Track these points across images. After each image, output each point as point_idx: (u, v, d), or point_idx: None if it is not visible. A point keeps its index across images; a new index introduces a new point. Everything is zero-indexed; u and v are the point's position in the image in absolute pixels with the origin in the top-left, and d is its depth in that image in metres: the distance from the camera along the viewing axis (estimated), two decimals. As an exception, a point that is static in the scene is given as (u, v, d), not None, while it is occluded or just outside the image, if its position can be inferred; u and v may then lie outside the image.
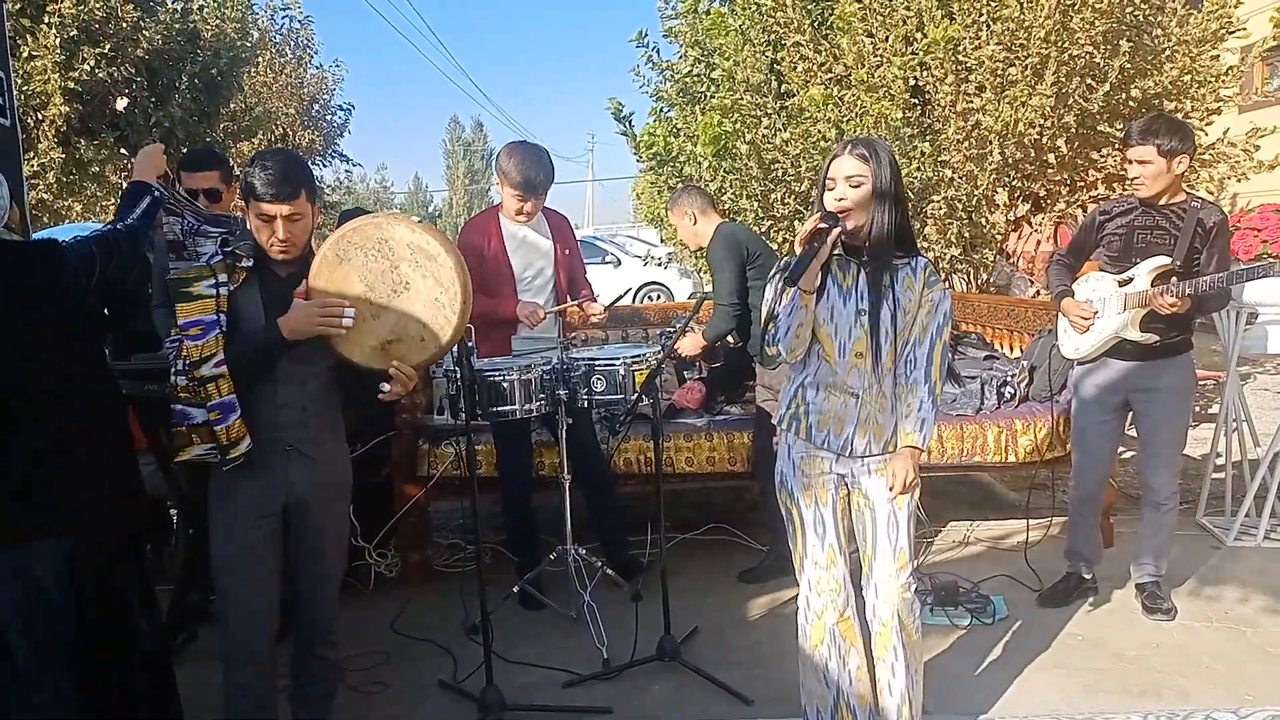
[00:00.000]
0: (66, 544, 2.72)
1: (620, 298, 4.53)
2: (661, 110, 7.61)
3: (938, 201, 5.94)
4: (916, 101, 5.97)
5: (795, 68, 6.22)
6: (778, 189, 6.33)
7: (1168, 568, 3.65)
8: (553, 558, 3.78)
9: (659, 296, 16.45)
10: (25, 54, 7.92)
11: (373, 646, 3.56)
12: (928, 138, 5.94)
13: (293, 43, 14.27)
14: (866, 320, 2.40)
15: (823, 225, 2.31)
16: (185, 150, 9.53)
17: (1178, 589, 3.74)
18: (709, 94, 6.94)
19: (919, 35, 5.79)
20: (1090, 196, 6.25)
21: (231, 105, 10.56)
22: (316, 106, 14.73)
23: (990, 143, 5.67)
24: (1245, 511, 4.31)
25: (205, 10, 10.16)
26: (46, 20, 7.97)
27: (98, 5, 8.32)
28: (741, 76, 6.42)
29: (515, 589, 3.82)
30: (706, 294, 3.99)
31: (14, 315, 2.65)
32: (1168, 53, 5.87)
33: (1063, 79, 5.52)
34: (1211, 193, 6.25)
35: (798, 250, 2.31)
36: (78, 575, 2.76)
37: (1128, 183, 3.46)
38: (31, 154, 8.18)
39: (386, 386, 2.43)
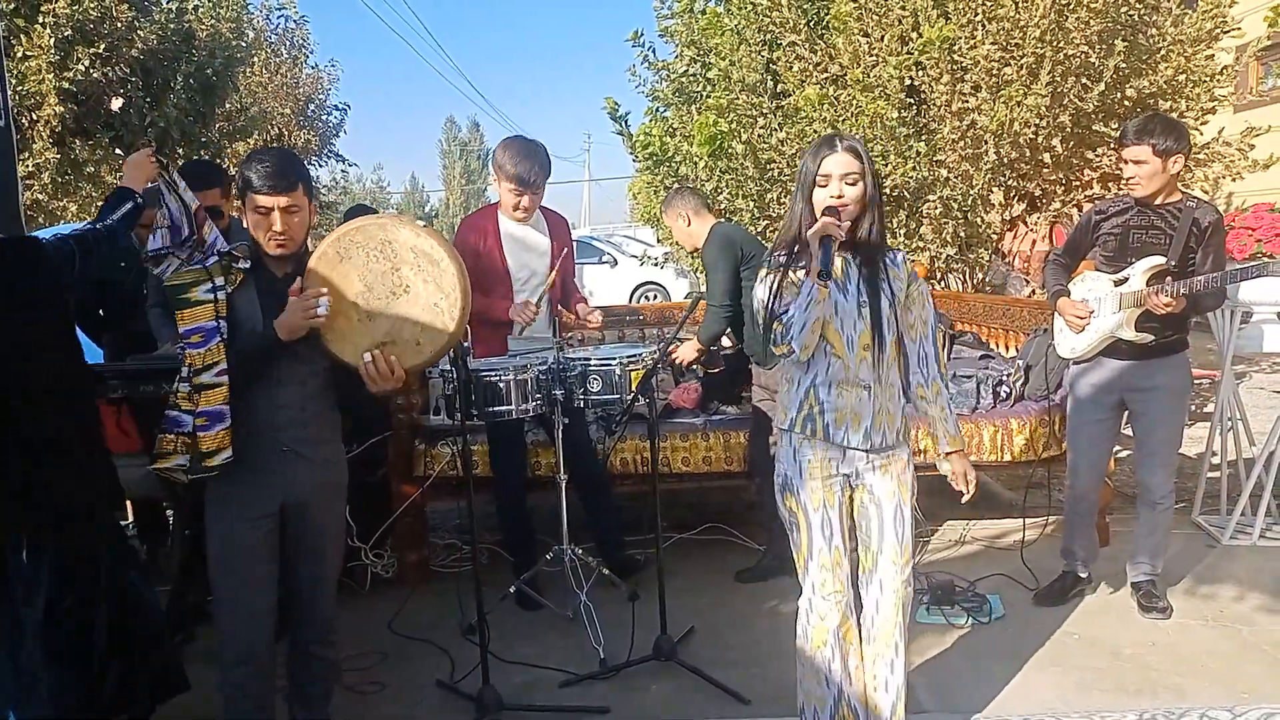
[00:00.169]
0: (66, 541, 2.75)
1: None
2: (657, 110, 7.62)
3: (933, 201, 5.95)
4: (912, 101, 5.97)
5: (791, 67, 6.22)
6: (773, 188, 6.33)
7: (1163, 566, 3.66)
8: (549, 558, 3.78)
9: (656, 296, 16.45)
10: (20, 54, 7.90)
11: (370, 646, 3.56)
12: (923, 137, 5.95)
13: (288, 42, 14.25)
14: (868, 313, 2.41)
15: (836, 224, 2.33)
16: (180, 152, 9.58)
17: (1173, 587, 3.75)
18: (705, 94, 6.94)
19: (914, 35, 5.79)
20: (1085, 196, 6.26)
21: (227, 105, 10.54)
22: (312, 106, 14.70)
23: (985, 142, 5.68)
24: (1240, 510, 4.32)
25: (200, 10, 10.14)
26: (41, 20, 7.95)
27: (92, 5, 8.29)
28: (737, 76, 6.42)
29: (512, 589, 3.82)
30: (702, 294, 3.99)
31: (14, 315, 2.66)
32: (1163, 52, 5.88)
33: (1058, 78, 5.53)
34: (1206, 192, 6.25)
35: (814, 248, 2.29)
36: (75, 572, 2.79)
37: (1123, 182, 3.47)
38: (26, 154, 8.16)
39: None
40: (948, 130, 5.75)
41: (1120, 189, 3.57)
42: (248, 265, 2.46)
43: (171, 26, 9.39)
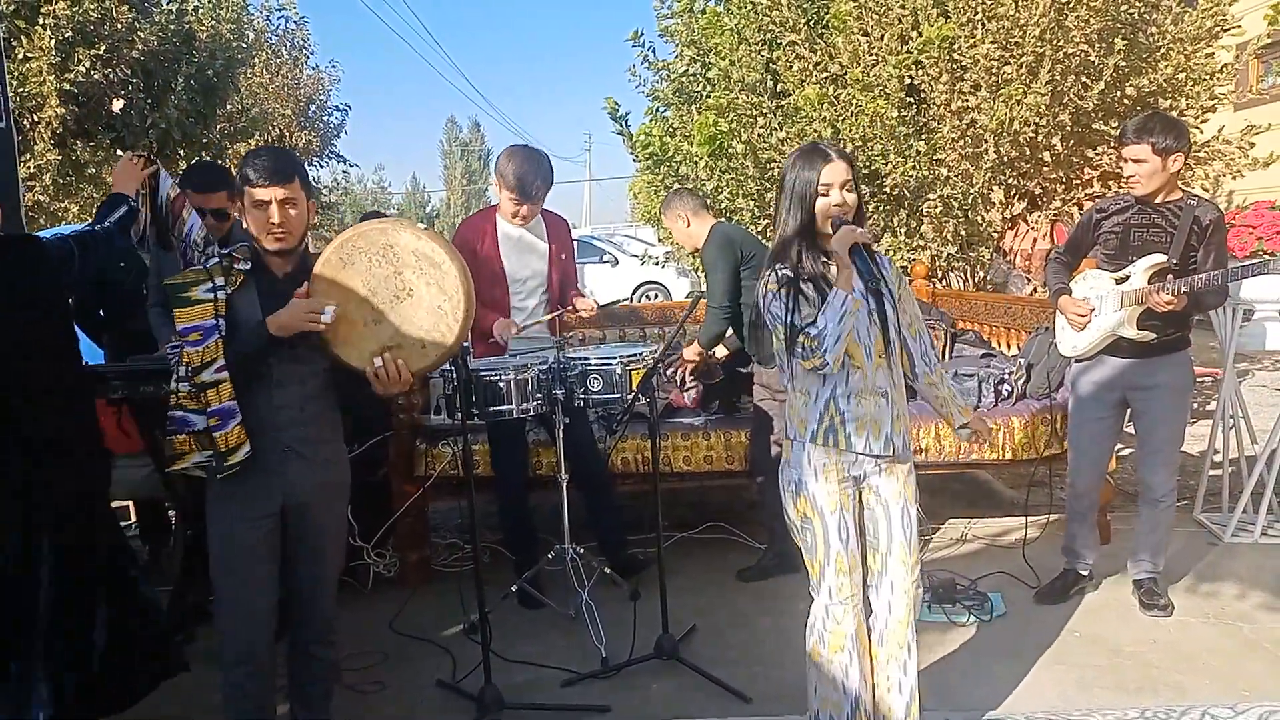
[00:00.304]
0: (65, 540, 2.77)
1: (614, 303, 4.52)
2: (658, 110, 7.62)
3: (933, 200, 5.95)
4: (912, 100, 5.97)
5: (791, 67, 6.22)
6: (774, 188, 6.31)
7: (1165, 564, 3.65)
8: (551, 557, 3.78)
9: (657, 296, 16.45)
10: (20, 56, 7.91)
11: (371, 646, 3.56)
12: (923, 136, 5.95)
13: (288, 43, 14.25)
14: (879, 319, 2.42)
15: (859, 229, 2.35)
16: (181, 153, 9.59)
17: (1175, 585, 3.75)
18: (705, 93, 6.95)
19: (914, 34, 5.79)
20: (1086, 194, 6.26)
21: (228, 106, 10.55)
22: (313, 107, 14.70)
23: (986, 141, 5.68)
24: (1242, 508, 4.32)
25: (200, 11, 10.14)
26: (41, 22, 7.96)
27: (93, 7, 8.30)
28: (737, 76, 6.42)
29: (514, 588, 3.82)
30: (702, 293, 3.99)
31: (15, 314, 2.68)
32: (1163, 50, 5.88)
33: (1058, 77, 5.53)
34: (1207, 190, 6.25)
35: (842, 260, 2.31)
36: (74, 571, 2.80)
37: (1123, 181, 3.47)
38: (27, 156, 8.17)
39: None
40: (948, 129, 5.75)
41: (1121, 187, 3.57)
42: (248, 267, 2.47)
43: (172, 28, 9.40)
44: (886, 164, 5.89)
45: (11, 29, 7.81)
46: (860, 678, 2.48)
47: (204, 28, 9.90)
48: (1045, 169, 6.04)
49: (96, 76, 8.35)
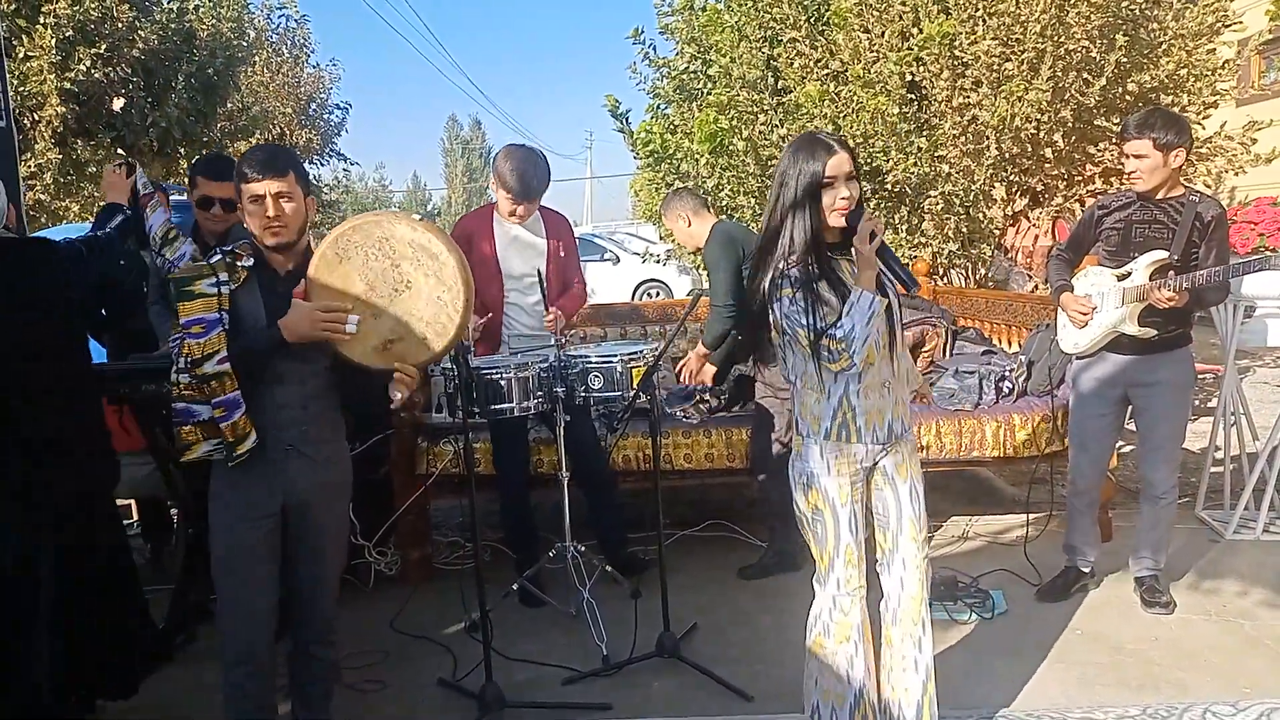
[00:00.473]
0: (65, 540, 2.79)
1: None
2: (658, 107, 7.62)
3: (935, 197, 5.94)
4: (913, 97, 5.96)
5: (792, 64, 6.21)
6: (768, 195, 6.32)
7: (1166, 561, 3.65)
8: (552, 555, 3.78)
9: (658, 293, 16.44)
10: (21, 54, 7.92)
11: (372, 645, 3.56)
12: (924, 133, 5.94)
13: (289, 42, 14.27)
14: (883, 310, 2.40)
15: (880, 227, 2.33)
16: (182, 152, 9.60)
17: (1176, 582, 3.75)
18: (705, 91, 6.94)
19: (915, 31, 5.78)
20: (1087, 191, 6.25)
21: (228, 105, 10.56)
22: (313, 105, 14.71)
23: (987, 138, 5.67)
24: (1244, 505, 4.31)
25: (201, 10, 10.15)
26: (42, 21, 7.97)
27: (93, 5, 8.31)
28: (738, 73, 6.42)
29: (515, 586, 3.82)
30: (702, 291, 3.99)
31: (15, 315, 2.69)
32: (1164, 47, 5.87)
33: (1059, 73, 5.52)
34: (1209, 186, 6.24)
35: (867, 260, 2.29)
36: (74, 570, 2.82)
37: (1124, 177, 3.46)
38: (28, 155, 8.17)
39: (397, 395, 2.45)
40: (949, 126, 5.75)
41: (1122, 184, 3.56)
42: (250, 263, 2.47)
43: (173, 26, 9.41)
44: (888, 161, 5.88)
45: (12, 28, 7.81)
46: (865, 669, 2.47)
47: (204, 26, 9.91)
48: (1047, 165, 6.03)
49: (97, 75, 8.36)
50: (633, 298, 16.20)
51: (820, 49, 6.19)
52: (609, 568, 3.84)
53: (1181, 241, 3.31)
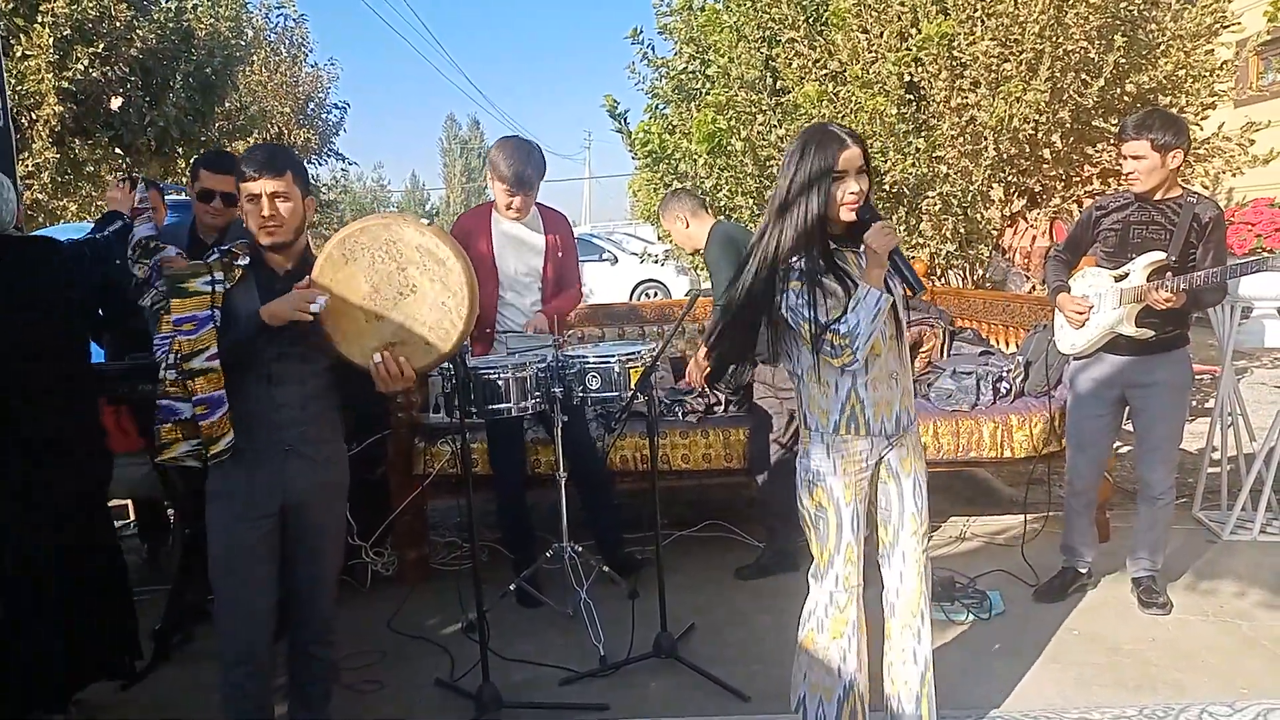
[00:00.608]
0: (65, 540, 2.82)
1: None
2: (657, 107, 7.61)
3: (932, 197, 5.94)
4: (911, 97, 5.96)
5: (790, 64, 6.21)
6: (773, 185, 6.31)
7: (1163, 562, 3.65)
8: (549, 555, 3.78)
9: (656, 294, 16.44)
10: (19, 53, 7.91)
11: (370, 645, 3.57)
12: (922, 133, 5.94)
13: (287, 41, 14.25)
14: (888, 303, 2.40)
15: (892, 228, 2.32)
16: (180, 151, 9.59)
17: (1173, 583, 3.75)
18: (704, 91, 6.93)
19: (913, 31, 5.78)
20: (1086, 191, 6.25)
21: (226, 104, 10.55)
22: (312, 105, 14.68)
23: (985, 138, 5.67)
24: (1241, 506, 4.32)
25: (199, 9, 10.13)
26: (40, 20, 7.96)
27: (91, 4, 8.29)
28: (736, 73, 6.41)
29: (512, 586, 3.82)
30: (699, 291, 3.97)
31: (15, 314, 2.71)
32: (1162, 47, 5.86)
33: (1057, 74, 5.51)
34: (1206, 187, 6.23)
35: (876, 261, 2.28)
36: (74, 570, 2.85)
37: (1122, 177, 3.46)
38: (26, 154, 8.17)
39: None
40: (947, 126, 5.74)
41: (1120, 184, 3.56)
42: (247, 262, 2.47)
43: (170, 25, 9.39)
44: (885, 161, 5.87)
45: (10, 27, 7.81)
46: (856, 664, 2.48)
47: (202, 25, 9.90)
48: (1045, 166, 6.02)
49: (95, 74, 8.34)
50: (631, 298, 16.21)
51: (819, 49, 6.18)
52: (606, 568, 3.84)
53: (1179, 243, 3.31)
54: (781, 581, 3.94)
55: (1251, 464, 4.36)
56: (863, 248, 2.35)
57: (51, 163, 8.47)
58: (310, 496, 2.52)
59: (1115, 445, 3.94)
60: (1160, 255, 3.34)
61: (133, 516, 4.88)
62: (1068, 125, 5.77)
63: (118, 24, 8.59)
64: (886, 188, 6.11)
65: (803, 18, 6.28)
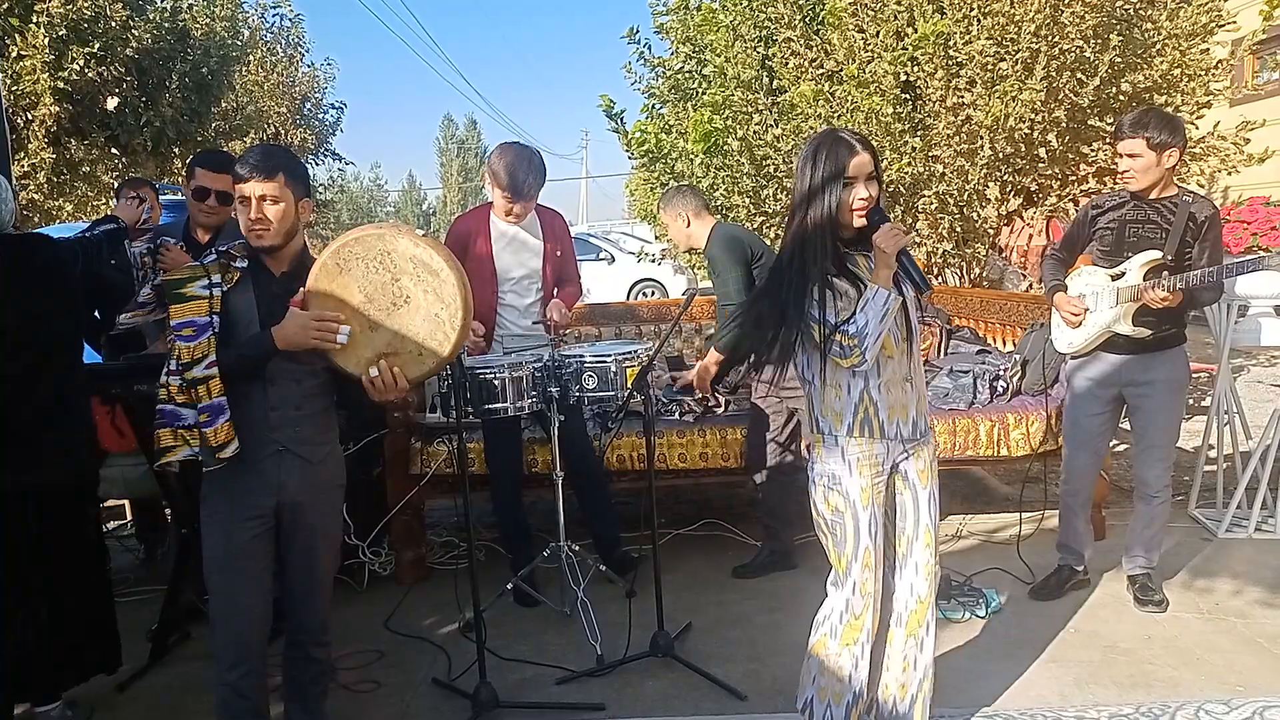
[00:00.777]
0: (55, 538, 2.86)
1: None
2: (653, 107, 7.61)
3: (929, 196, 5.95)
4: (907, 97, 5.96)
5: (786, 63, 6.21)
6: (769, 185, 6.32)
7: (1159, 560, 3.66)
8: (546, 554, 3.78)
9: (653, 293, 16.44)
10: (14, 54, 7.90)
11: (366, 645, 3.56)
12: (918, 133, 5.94)
13: (283, 41, 14.23)
14: (903, 306, 2.40)
15: (903, 230, 2.32)
16: (176, 151, 9.57)
17: (1169, 581, 3.76)
18: (700, 90, 6.93)
19: (909, 30, 5.78)
20: (1082, 190, 6.25)
21: (223, 104, 10.54)
22: (308, 105, 14.68)
23: (981, 137, 5.67)
24: (1236, 503, 4.33)
25: (195, 9, 10.12)
26: (35, 20, 7.94)
27: (86, 4, 8.28)
28: (733, 73, 6.41)
29: (509, 586, 3.82)
30: (696, 290, 3.97)
31: (8, 311, 2.74)
32: (1158, 47, 5.87)
33: (1053, 73, 5.52)
34: (1202, 186, 6.24)
35: (885, 262, 2.29)
36: (63, 569, 2.88)
37: (1118, 176, 3.47)
38: (22, 154, 8.15)
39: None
40: (943, 125, 5.75)
41: (1117, 183, 3.56)
42: (244, 264, 2.46)
43: (166, 25, 9.38)
44: (882, 160, 5.87)
45: (5, 26, 7.80)
46: (868, 672, 2.47)
47: (198, 25, 9.88)
48: (1041, 165, 6.03)
49: (91, 74, 8.33)
50: (628, 297, 16.20)
51: (815, 49, 6.19)
52: (603, 567, 3.84)
53: (1175, 241, 3.32)
54: (779, 580, 3.95)
55: (1247, 462, 4.36)
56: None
57: (47, 163, 8.46)
58: (305, 496, 2.51)
59: (1112, 443, 3.94)
60: (1156, 254, 3.34)
61: (129, 517, 4.88)
62: (1063, 124, 5.77)
63: (113, 24, 8.58)
64: (883, 187, 6.11)
65: (799, 17, 6.28)
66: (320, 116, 14.92)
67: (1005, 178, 6.13)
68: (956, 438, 4.20)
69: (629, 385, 3.37)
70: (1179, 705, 2.86)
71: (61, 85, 8.13)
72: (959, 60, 5.68)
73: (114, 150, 9.35)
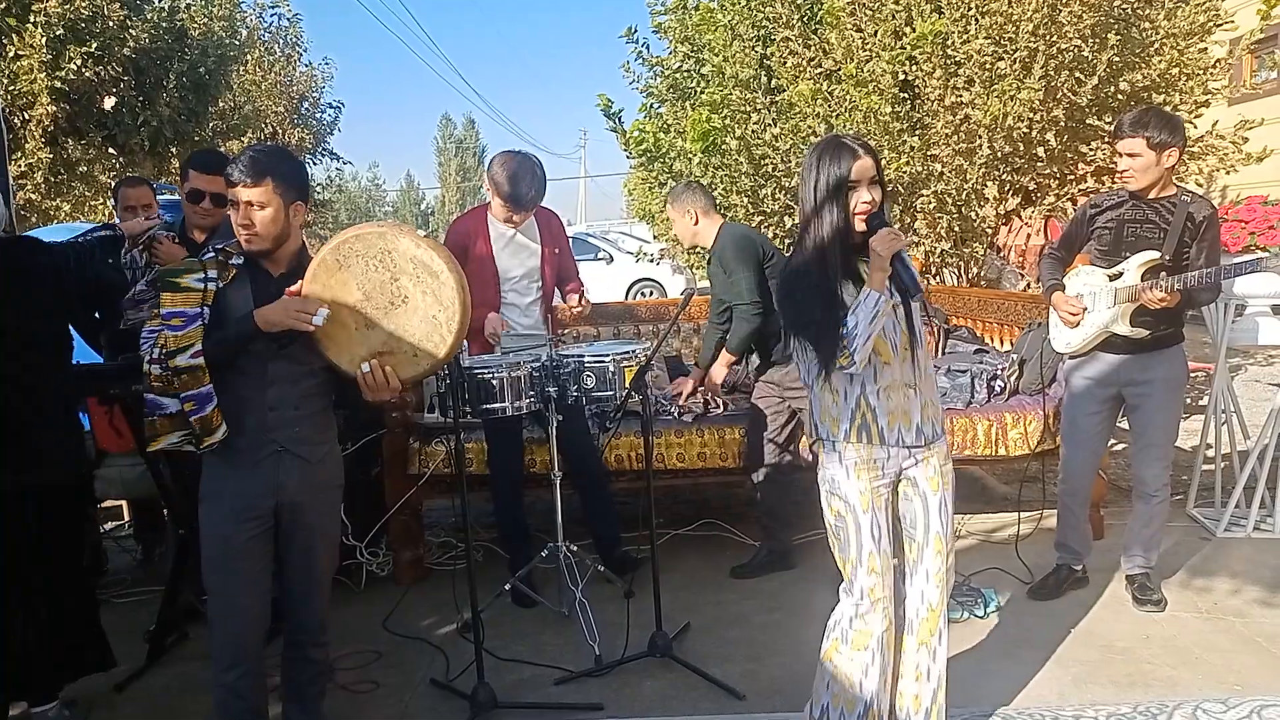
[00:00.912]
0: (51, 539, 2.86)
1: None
2: (652, 106, 7.60)
3: (927, 196, 5.95)
4: (905, 96, 5.96)
5: (785, 63, 6.21)
6: (767, 184, 6.32)
7: (1158, 559, 3.66)
8: (544, 554, 3.78)
9: (651, 293, 16.46)
10: (11, 53, 7.90)
11: (365, 645, 3.56)
12: (917, 132, 5.94)
13: (281, 40, 14.23)
14: (902, 313, 2.40)
15: (898, 234, 2.32)
16: (174, 151, 9.56)
17: (1168, 580, 3.76)
18: (699, 90, 6.93)
19: (908, 30, 5.78)
20: (1080, 190, 6.25)
21: (220, 104, 10.54)
22: (306, 104, 14.69)
23: (979, 137, 5.67)
24: (1235, 503, 4.33)
25: (192, 8, 10.11)
26: (32, 19, 7.93)
27: (84, 4, 8.27)
28: (731, 72, 6.41)
29: (507, 586, 3.82)
30: (694, 290, 3.97)
31: (27, 287, 2.76)
32: (1156, 46, 5.87)
33: (1051, 72, 5.52)
34: (1200, 185, 6.25)
35: (882, 263, 2.29)
36: (59, 569, 2.89)
37: (1117, 175, 3.47)
38: (19, 154, 8.15)
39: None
40: (941, 125, 5.75)
41: (1115, 183, 3.56)
42: (240, 262, 2.46)
43: (164, 25, 9.37)
44: (881, 160, 5.88)
45: (2, 26, 7.78)
46: (880, 680, 2.46)
47: (196, 25, 9.88)
48: (1039, 164, 6.03)
49: (88, 74, 8.32)
50: (626, 297, 16.22)
51: (813, 48, 6.19)
52: (602, 567, 3.84)
53: (1173, 241, 3.31)
54: (777, 580, 3.95)
55: (1245, 461, 4.36)
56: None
57: (45, 163, 8.45)
58: (304, 496, 2.51)
59: (1110, 443, 3.94)
60: (1154, 254, 3.34)
61: (128, 517, 4.88)
62: (1062, 123, 5.78)
63: (111, 23, 8.57)
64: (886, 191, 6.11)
65: (797, 16, 6.28)
66: (318, 116, 14.93)
67: (1003, 177, 6.13)
68: (954, 437, 4.19)
69: (627, 385, 3.37)
70: (1177, 704, 2.87)
71: (59, 85, 8.12)
72: (957, 59, 5.68)
73: (111, 150, 9.34)
